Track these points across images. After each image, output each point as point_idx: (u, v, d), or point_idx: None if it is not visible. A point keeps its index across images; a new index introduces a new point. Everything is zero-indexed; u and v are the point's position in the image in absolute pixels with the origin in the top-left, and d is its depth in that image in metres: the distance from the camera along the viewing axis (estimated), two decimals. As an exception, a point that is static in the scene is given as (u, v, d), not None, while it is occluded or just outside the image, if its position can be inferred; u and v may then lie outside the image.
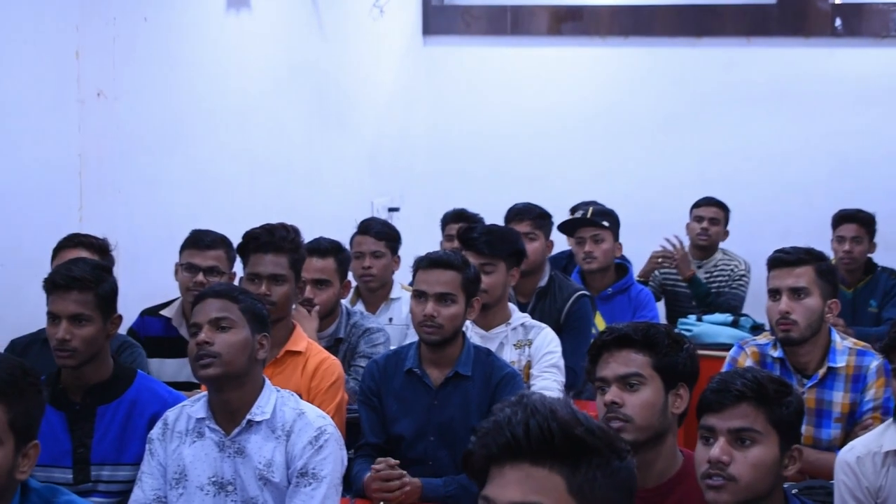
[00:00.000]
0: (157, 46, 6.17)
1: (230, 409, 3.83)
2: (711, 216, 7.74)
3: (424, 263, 4.63)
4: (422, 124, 9.30)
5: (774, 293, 4.57)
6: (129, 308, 4.29)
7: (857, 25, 8.78)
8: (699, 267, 7.61)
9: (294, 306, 4.96)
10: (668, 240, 7.56)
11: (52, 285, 4.04)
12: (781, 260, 4.59)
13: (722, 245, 7.83)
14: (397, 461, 4.34)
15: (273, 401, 3.86)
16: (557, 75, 9.25)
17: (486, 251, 5.22)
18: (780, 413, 3.05)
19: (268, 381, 3.92)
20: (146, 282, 5.59)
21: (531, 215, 6.21)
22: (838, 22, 8.72)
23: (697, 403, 3.17)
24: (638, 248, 7.31)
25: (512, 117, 9.25)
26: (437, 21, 9.43)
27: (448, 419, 4.54)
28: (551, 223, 6.34)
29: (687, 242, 7.70)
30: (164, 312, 5.42)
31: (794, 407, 3.10)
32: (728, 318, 6.88)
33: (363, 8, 8.46)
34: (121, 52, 5.89)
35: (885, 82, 8.75)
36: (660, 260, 7.55)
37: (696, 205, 7.84)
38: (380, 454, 4.48)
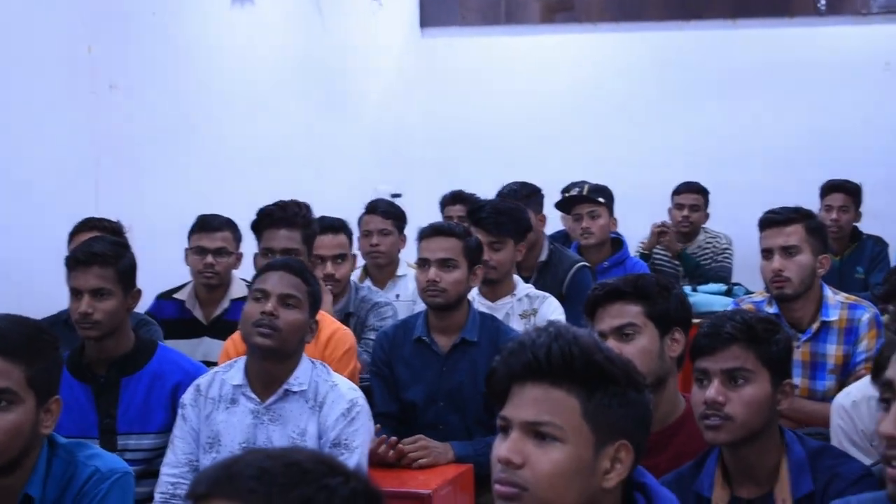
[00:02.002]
0: (165, 40, 6.27)
1: (269, 378, 3.89)
2: (692, 203, 7.74)
3: (427, 232, 4.72)
4: (421, 112, 9.36)
5: (767, 252, 4.59)
6: (143, 292, 4.41)
7: (840, 4, 8.93)
8: (684, 249, 7.58)
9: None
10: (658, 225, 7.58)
11: (74, 262, 4.08)
12: (772, 220, 4.61)
13: (702, 225, 7.83)
14: (393, 438, 4.33)
15: (309, 372, 3.91)
16: (550, 62, 9.34)
17: (494, 230, 5.25)
18: (770, 350, 3.11)
19: (304, 354, 3.96)
20: (159, 266, 5.50)
21: (517, 196, 6.24)
22: (822, 1, 8.84)
23: (691, 348, 3.24)
24: (632, 225, 7.35)
25: (508, 104, 9.31)
26: (433, 13, 9.54)
27: (457, 385, 4.59)
28: (541, 198, 6.42)
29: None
30: (177, 296, 5.49)
31: (782, 344, 3.15)
32: (722, 287, 6.97)
33: (362, 1, 8.55)
34: (131, 45, 6.01)
35: (866, 58, 8.88)
36: (659, 230, 7.50)
37: (676, 191, 7.81)
38: (392, 422, 4.56)
